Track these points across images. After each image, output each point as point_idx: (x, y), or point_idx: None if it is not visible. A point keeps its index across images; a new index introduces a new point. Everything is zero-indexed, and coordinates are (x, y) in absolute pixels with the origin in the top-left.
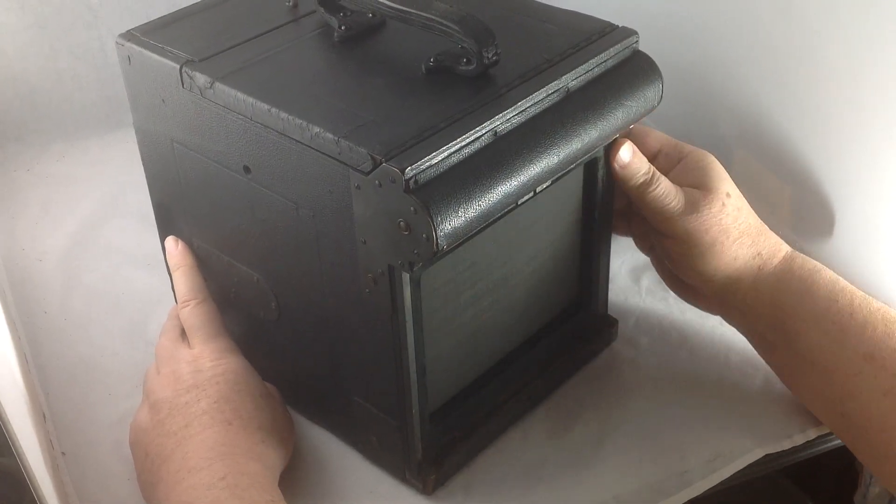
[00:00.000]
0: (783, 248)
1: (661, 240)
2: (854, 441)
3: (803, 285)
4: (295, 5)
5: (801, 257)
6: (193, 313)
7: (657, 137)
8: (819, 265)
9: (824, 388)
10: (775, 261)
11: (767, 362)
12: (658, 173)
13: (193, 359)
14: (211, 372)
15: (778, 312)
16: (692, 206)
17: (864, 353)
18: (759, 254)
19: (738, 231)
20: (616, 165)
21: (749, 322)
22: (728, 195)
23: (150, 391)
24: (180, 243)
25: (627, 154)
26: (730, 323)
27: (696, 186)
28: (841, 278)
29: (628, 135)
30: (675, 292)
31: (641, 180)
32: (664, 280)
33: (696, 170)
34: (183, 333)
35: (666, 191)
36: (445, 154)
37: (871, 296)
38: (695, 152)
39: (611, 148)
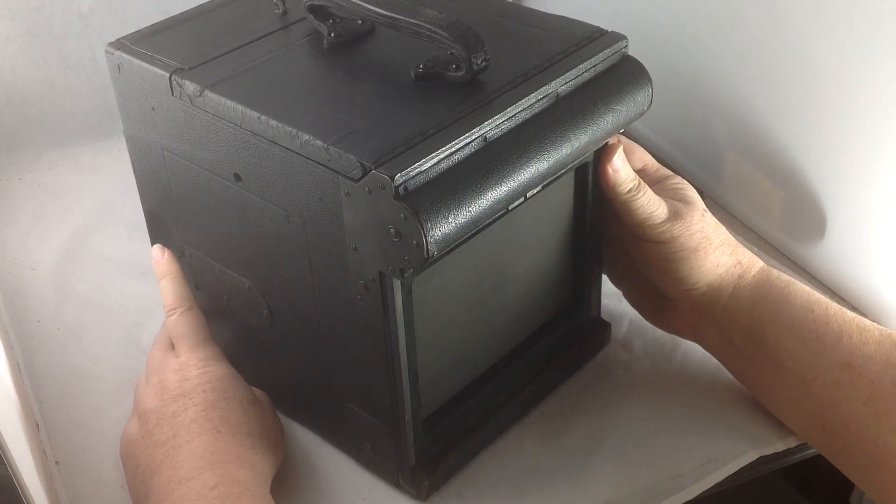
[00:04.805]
0: (759, 261)
1: (646, 246)
2: (837, 454)
3: (780, 294)
4: (284, 13)
5: (776, 271)
6: (179, 321)
7: (641, 157)
8: (793, 279)
9: (803, 401)
10: (754, 270)
11: (743, 380)
12: (643, 183)
13: (180, 367)
14: (197, 380)
15: (756, 322)
16: (676, 214)
17: (842, 361)
18: (739, 262)
19: (718, 240)
20: (609, 170)
21: (726, 335)
22: (706, 211)
23: (139, 402)
24: (166, 251)
25: (620, 161)
26: (703, 344)
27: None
28: (815, 291)
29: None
30: (649, 319)
31: (629, 186)
32: (638, 309)
33: (675, 190)
34: (172, 343)
35: (651, 199)
36: (435, 160)
37: (863, 298)
38: (674, 177)
39: (601, 154)
